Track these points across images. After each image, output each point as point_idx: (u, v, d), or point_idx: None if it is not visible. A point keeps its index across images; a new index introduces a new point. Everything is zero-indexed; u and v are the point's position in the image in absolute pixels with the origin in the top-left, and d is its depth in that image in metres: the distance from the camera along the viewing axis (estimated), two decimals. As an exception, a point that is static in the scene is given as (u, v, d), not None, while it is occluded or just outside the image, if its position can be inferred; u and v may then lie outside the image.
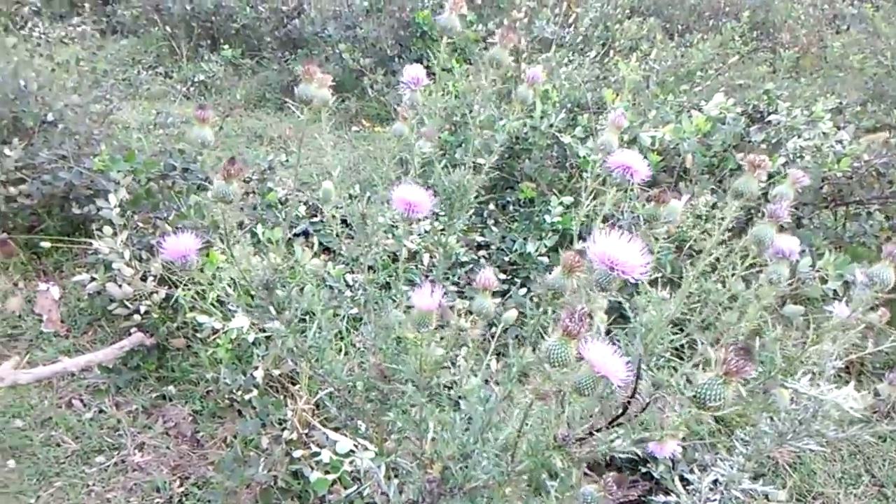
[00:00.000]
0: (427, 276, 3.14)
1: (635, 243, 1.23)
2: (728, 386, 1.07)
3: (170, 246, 1.43)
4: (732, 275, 1.72)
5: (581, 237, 1.83)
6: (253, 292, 2.55)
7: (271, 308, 1.71)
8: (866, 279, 1.53)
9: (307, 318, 1.82)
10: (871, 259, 3.15)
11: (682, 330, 1.76)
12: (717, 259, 1.72)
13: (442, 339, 1.53)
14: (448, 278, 3.10)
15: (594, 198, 1.80)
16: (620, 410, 1.44)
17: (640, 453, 1.53)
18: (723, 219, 1.66)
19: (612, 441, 1.46)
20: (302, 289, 1.80)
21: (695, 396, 1.09)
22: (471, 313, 1.49)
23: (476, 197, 1.96)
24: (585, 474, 2.31)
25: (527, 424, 1.36)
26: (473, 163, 1.92)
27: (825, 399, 1.62)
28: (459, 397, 1.74)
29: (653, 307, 1.69)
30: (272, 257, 1.81)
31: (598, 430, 1.43)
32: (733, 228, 2.91)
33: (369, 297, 1.95)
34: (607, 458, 1.64)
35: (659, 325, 1.67)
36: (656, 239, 1.68)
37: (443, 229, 2.69)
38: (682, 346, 1.78)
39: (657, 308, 1.70)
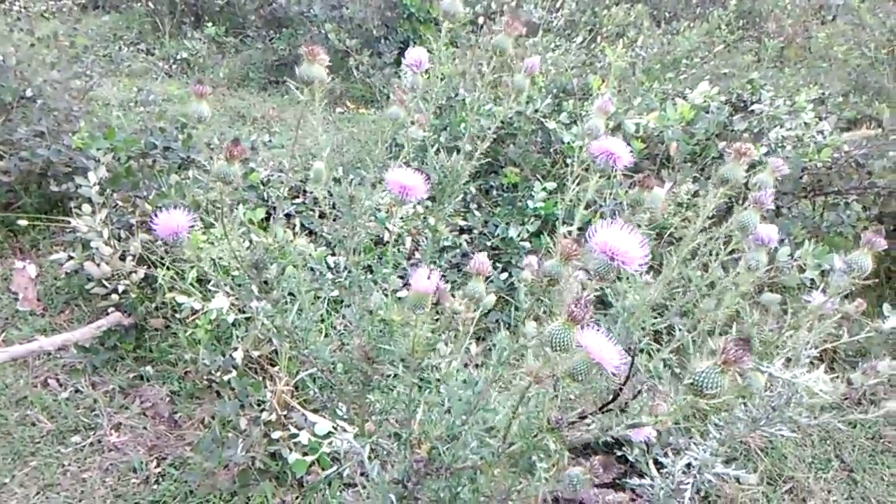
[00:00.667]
0: (409, 259, 3.13)
1: (635, 235, 1.25)
2: (725, 375, 1.08)
3: (161, 222, 1.42)
4: (714, 261, 1.74)
5: (565, 222, 1.83)
6: (235, 272, 2.54)
7: (256, 288, 1.70)
8: (844, 266, 1.56)
9: (289, 298, 1.82)
10: (847, 248, 3.18)
11: (661, 315, 1.78)
12: (698, 245, 1.74)
13: (436, 320, 1.53)
14: (434, 262, 3.10)
15: (578, 183, 1.81)
16: (612, 396, 1.45)
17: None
18: (705, 206, 1.68)
19: (604, 425, 1.48)
20: (285, 269, 1.79)
21: (692, 384, 1.11)
22: (463, 296, 1.50)
23: (465, 182, 1.97)
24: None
25: (523, 406, 1.37)
26: (463, 148, 1.92)
27: (797, 382, 1.65)
28: (437, 380, 1.75)
29: (634, 292, 1.71)
30: (263, 237, 1.79)
31: (590, 415, 1.45)
32: (713, 216, 2.94)
33: (353, 279, 1.95)
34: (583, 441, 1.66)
35: (640, 309, 1.69)
36: (639, 225, 1.69)
37: (425, 214, 2.69)
38: (659, 331, 1.80)
39: (639, 293, 1.71)
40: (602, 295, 1.76)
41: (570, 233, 1.81)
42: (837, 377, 1.69)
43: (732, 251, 1.72)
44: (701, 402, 1.13)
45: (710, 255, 1.77)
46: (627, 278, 1.70)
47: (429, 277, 1.36)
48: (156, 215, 1.44)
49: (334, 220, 1.93)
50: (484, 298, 1.49)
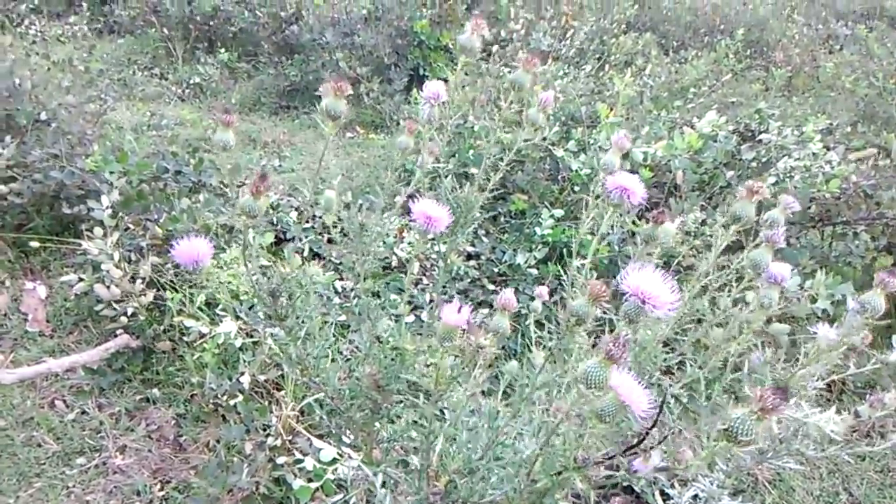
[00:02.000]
0: (416, 285, 3.14)
1: (667, 280, 1.26)
2: (760, 422, 1.08)
3: (182, 250, 1.43)
4: (729, 294, 1.74)
5: (578, 254, 1.84)
6: (244, 297, 2.55)
7: (271, 315, 1.71)
8: (858, 305, 1.55)
9: (300, 325, 1.82)
10: (856, 279, 3.17)
11: (672, 350, 1.78)
12: (709, 282, 1.74)
13: (461, 353, 1.54)
14: (446, 292, 3.10)
15: (591, 218, 1.82)
16: (638, 440, 1.45)
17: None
18: (713, 238, 1.69)
19: (630, 468, 1.48)
20: (292, 296, 1.80)
21: (727, 430, 1.11)
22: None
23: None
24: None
25: (551, 445, 1.37)
26: (477, 179, 1.93)
27: (808, 422, 1.64)
28: (444, 409, 1.75)
29: (646, 327, 1.71)
30: (281, 265, 1.80)
31: (613, 457, 1.44)
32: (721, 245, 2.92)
33: (363, 305, 1.95)
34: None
35: (651, 344, 1.69)
36: (650, 256, 1.70)
37: (435, 240, 2.69)
38: (670, 366, 1.79)
39: (651, 328, 1.71)
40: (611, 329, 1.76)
41: (582, 266, 1.81)
42: (846, 410, 1.68)
43: (748, 287, 1.72)
44: (735, 448, 1.13)
45: (721, 289, 1.78)
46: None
47: (459, 311, 1.37)
48: (175, 242, 1.45)
49: (344, 246, 1.94)
50: (507, 333, 1.50)
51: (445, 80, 1.85)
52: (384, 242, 2.81)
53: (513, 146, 1.91)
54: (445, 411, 1.77)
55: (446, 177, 1.95)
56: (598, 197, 1.76)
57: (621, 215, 1.78)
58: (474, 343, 1.53)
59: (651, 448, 1.44)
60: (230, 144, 1.53)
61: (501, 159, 1.96)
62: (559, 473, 1.37)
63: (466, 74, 4.77)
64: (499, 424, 1.53)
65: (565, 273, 1.80)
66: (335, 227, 1.88)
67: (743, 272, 1.70)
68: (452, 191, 1.92)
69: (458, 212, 1.94)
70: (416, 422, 1.77)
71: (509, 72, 4.51)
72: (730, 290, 1.74)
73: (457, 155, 3.75)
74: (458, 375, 1.54)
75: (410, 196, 1.79)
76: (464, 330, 1.42)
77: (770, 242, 1.58)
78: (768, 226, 1.62)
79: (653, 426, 1.41)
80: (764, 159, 3.34)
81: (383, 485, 1.88)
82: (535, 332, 1.81)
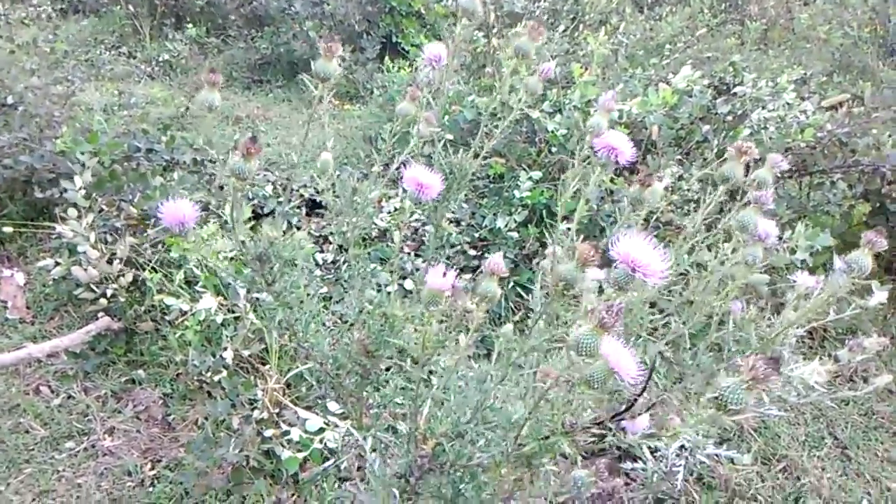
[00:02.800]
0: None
1: (658, 248, 1.26)
2: (751, 392, 1.09)
3: (167, 211, 1.42)
4: (716, 256, 1.74)
5: (566, 218, 1.83)
6: (223, 273, 2.53)
7: (260, 281, 1.70)
8: (845, 265, 1.55)
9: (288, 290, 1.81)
10: (833, 227, 3.20)
11: (661, 311, 1.78)
12: (696, 241, 1.75)
13: (444, 319, 1.53)
14: (437, 259, 3.10)
15: (560, 171, 1.81)
16: (626, 406, 1.46)
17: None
18: (700, 198, 1.68)
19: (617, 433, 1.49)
20: (279, 260, 1.78)
21: (717, 398, 1.11)
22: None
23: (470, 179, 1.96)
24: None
25: (538, 409, 1.37)
26: (474, 146, 1.90)
27: (793, 376, 1.66)
28: (430, 372, 1.75)
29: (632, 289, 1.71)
30: (268, 231, 1.78)
31: (601, 423, 1.45)
32: (699, 201, 2.94)
33: (354, 271, 1.94)
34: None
35: (638, 306, 1.69)
36: (638, 219, 1.70)
37: (413, 209, 2.68)
38: (656, 327, 1.80)
39: (636, 290, 1.71)
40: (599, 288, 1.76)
41: (568, 230, 1.81)
42: (828, 356, 1.70)
43: (732, 249, 1.73)
44: (724, 417, 1.13)
45: (710, 249, 1.78)
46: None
47: (444, 275, 1.36)
48: (160, 204, 1.43)
49: (318, 216, 1.92)
50: (496, 298, 1.48)
51: (418, 46, 1.81)
52: (369, 210, 2.79)
53: (496, 111, 1.88)
54: (433, 375, 1.78)
55: (440, 142, 1.92)
56: (585, 159, 1.74)
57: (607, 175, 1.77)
58: (460, 307, 1.52)
59: (639, 414, 1.45)
60: (216, 105, 1.50)
61: (496, 126, 1.92)
62: (547, 438, 1.38)
63: (439, 39, 4.71)
64: (487, 388, 1.54)
65: (549, 235, 1.80)
66: (328, 191, 1.85)
67: (730, 232, 1.70)
68: (445, 156, 1.89)
69: (450, 178, 1.91)
70: (404, 387, 1.77)
71: (483, 36, 4.46)
72: (717, 253, 1.74)
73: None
74: (445, 340, 1.54)
75: (403, 163, 1.77)
76: (450, 294, 1.41)
77: (758, 204, 1.57)
78: (756, 186, 1.62)
79: (640, 393, 1.42)
80: (739, 112, 3.33)
81: (373, 449, 1.90)
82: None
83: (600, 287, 1.35)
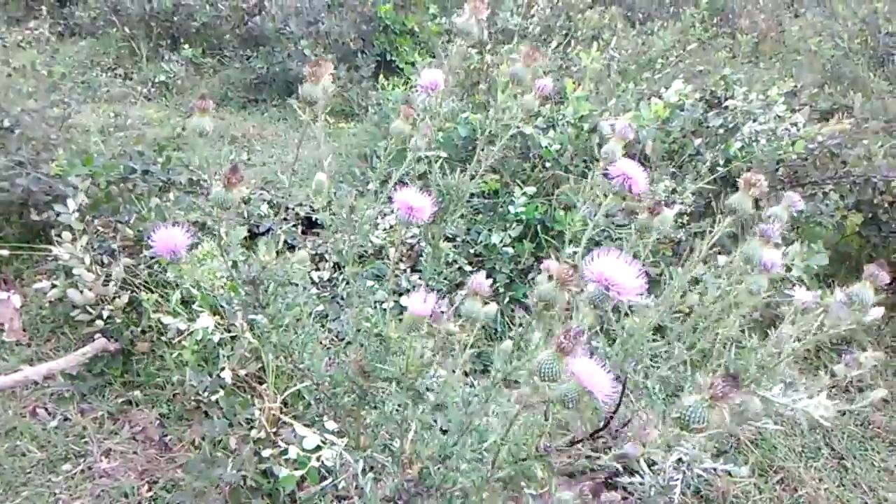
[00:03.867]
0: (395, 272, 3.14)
1: (633, 265, 1.25)
2: (712, 410, 1.10)
3: (160, 239, 1.42)
4: (719, 289, 1.74)
5: (571, 241, 1.84)
6: (221, 291, 2.54)
7: (253, 304, 1.70)
8: (845, 298, 1.54)
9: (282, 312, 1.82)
10: (827, 238, 3.22)
11: (663, 337, 1.78)
12: (700, 274, 1.75)
13: (431, 341, 1.53)
14: (435, 280, 3.11)
15: (555, 186, 1.83)
16: (602, 423, 1.46)
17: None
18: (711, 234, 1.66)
19: (591, 455, 1.49)
20: (274, 283, 1.79)
21: (679, 418, 1.12)
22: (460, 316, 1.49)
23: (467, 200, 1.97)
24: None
25: (510, 434, 1.37)
26: (471, 167, 1.91)
27: (797, 408, 1.65)
28: (428, 389, 1.75)
29: (634, 315, 1.70)
30: (262, 254, 1.79)
31: (578, 442, 1.45)
32: (692, 213, 2.95)
33: (352, 290, 1.95)
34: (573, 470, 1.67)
35: (640, 332, 1.69)
36: (646, 248, 1.70)
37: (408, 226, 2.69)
38: (658, 353, 1.80)
39: (640, 314, 1.71)
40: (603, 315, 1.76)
41: (575, 253, 1.81)
42: (824, 367, 1.71)
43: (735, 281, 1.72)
44: (687, 434, 1.14)
45: (713, 274, 1.78)
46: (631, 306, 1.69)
47: (425, 301, 1.36)
48: (153, 231, 1.44)
49: (333, 229, 1.92)
50: (481, 319, 1.47)
51: (413, 64, 1.83)
52: (366, 227, 2.81)
53: (475, 122, 1.90)
54: (429, 392, 1.78)
55: (437, 162, 1.93)
56: (598, 185, 1.74)
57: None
58: (443, 331, 1.52)
59: (617, 430, 1.45)
60: (207, 131, 1.52)
61: (492, 144, 1.93)
62: (523, 460, 1.38)
63: (433, 57, 4.76)
64: (472, 410, 1.53)
65: (538, 248, 1.80)
66: (324, 210, 1.86)
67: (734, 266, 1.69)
68: (442, 176, 1.90)
69: (446, 199, 1.91)
70: (376, 407, 1.77)
71: (477, 53, 4.49)
72: (719, 286, 1.74)
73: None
74: (430, 364, 1.54)
75: (400, 181, 1.77)
76: (430, 320, 1.41)
77: (764, 237, 1.57)
78: (768, 220, 1.62)
79: (615, 410, 1.42)
80: (731, 125, 3.36)
81: (368, 470, 1.90)
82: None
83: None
